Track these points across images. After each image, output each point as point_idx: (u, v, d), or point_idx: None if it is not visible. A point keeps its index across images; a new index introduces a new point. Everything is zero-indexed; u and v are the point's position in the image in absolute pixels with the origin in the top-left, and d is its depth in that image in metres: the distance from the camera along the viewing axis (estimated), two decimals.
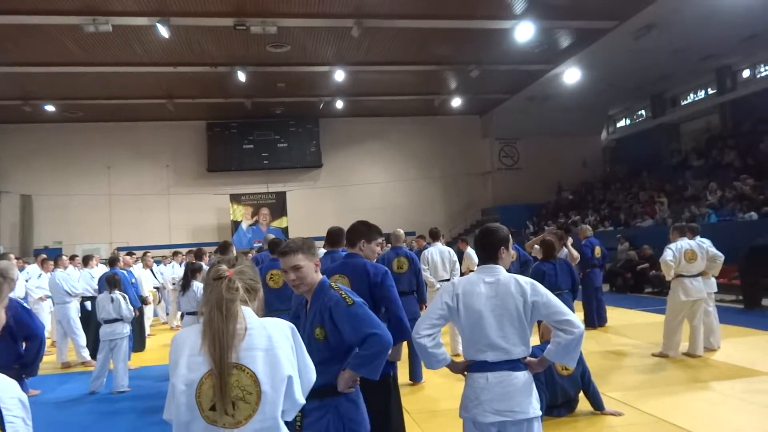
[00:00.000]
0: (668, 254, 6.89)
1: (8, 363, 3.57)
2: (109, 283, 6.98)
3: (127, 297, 7.01)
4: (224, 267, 1.92)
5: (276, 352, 1.83)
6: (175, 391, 1.79)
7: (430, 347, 2.82)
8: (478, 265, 2.98)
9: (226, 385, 1.74)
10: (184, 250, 13.73)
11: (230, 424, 1.76)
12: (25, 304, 3.97)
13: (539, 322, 4.32)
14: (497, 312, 2.75)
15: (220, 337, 1.76)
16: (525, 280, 2.80)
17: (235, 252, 7.03)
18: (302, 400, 1.90)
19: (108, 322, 6.87)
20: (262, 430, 1.78)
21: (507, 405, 2.69)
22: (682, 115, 22.70)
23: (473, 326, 2.78)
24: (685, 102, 22.78)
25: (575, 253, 8.65)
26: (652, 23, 14.44)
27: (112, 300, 6.84)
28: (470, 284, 2.84)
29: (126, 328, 6.97)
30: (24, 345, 3.70)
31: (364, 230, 3.82)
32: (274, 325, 1.90)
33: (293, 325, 1.98)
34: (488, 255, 2.91)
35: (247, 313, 1.87)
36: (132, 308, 7.02)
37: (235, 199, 22.55)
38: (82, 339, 8.65)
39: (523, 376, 2.74)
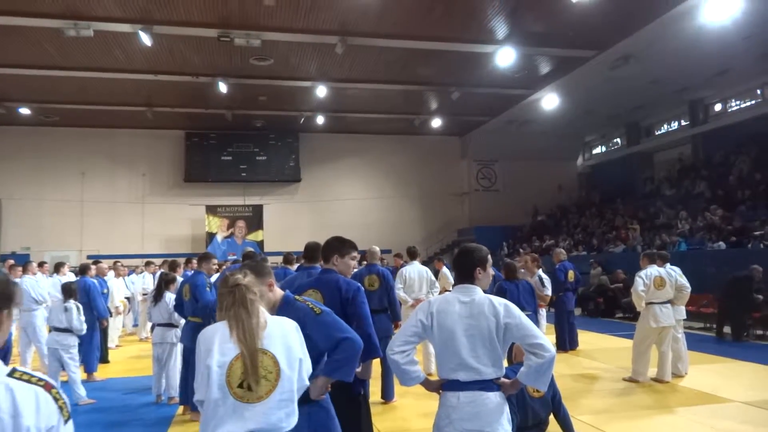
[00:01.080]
0: (639, 284, 7.00)
1: None
2: (65, 291, 6.79)
3: (80, 308, 6.79)
4: (241, 276, 2.31)
5: (289, 339, 2.24)
6: (210, 372, 2.13)
7: (402, 363, 2.83)
8: (455, 285, 3.00)
9: (257, 366, 2.12)
10: (157, 261, 13.51)
11: (254, 399, 2.12)
12: None
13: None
14: (470, 332, 2.75)
15: (248, 327, 2.15)
16: (499, 302, 2.81)
17: (216, 263, 6.92)
18: (307, 382, 2.28)
19: (58, 330, 6.68)
20: (281, 402, 2.16)
21: (477, 425, 2.68)
22: (655, 144, 23.25)
23: (446, 345, 2.79)
24: (659, 132, 23.35)
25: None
26: (630, 54, 14.85)
27: (66, 309, 6.65)
28: (445, 303, 2.85)
29: (74, 341, 6.74)
30: None
31: (337, 245, 3.83)
32: (284, 320, 2.33)
33: (297, 324, 2.35)
34: (465, 275, 2.92)
35: (263, 310, 2.28)
36: (83, 320, 6.78)
37: (211, 210, 22.34)
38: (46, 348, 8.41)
39: (495, 397, 2.74)
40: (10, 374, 1.49)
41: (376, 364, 6.36)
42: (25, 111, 19.17)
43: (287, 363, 2.17)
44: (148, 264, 13.13)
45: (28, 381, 1.49)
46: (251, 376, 2.09)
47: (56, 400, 1.50)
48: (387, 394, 6.43)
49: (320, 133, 22.93)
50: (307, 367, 2.31)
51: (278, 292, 2.85)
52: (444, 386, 2.82)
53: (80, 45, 13.98)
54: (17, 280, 8.92)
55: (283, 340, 2.21)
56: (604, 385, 7.14)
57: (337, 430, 2.75)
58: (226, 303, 2.22)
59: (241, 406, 2.10)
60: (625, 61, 15.16)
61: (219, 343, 2.15)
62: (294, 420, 2.20)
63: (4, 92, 17.61)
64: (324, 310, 2.74)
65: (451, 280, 10.44)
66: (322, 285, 3.67)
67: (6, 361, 3.61)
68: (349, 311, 3.57)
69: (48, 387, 1.51)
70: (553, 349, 2.74)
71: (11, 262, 10.89)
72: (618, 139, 25.69)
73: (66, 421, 1.52)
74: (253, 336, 2.13)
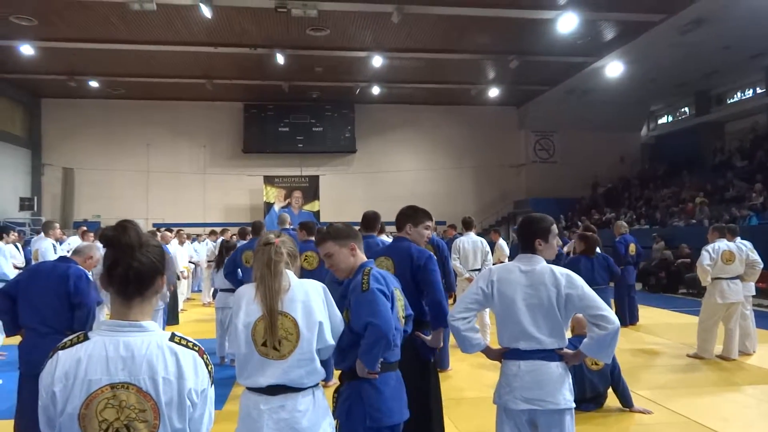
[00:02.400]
0: (705, 258, 6.73)
1: (61, 328, 3.72)
2: None
3: None
4: (272, 235, 2.44)
5: (310, 303, 2.36)
6: (237, 330, 2.36)
7: (463, 330, 2.84)
8: (519, 254, 2.95)
9: (276, 327, 2.30)
10: (218, 229, 13.99)
11: (277, 357, 2.31)
12: (89, 276, 4.13)
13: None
14: (530, 301, 2.74)
15: (270, 290, 2.31)
16: (561, 272, 2.75)
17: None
18: (332, 342, 2.43)
19: None
20: (301, 361, 2.32)
21: (537, 394, 2.68)
22: (727, 113, 22.02)
23: (506, 313, 2.78)
24: (732, 100, 22.08)
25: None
26: (702, 18, 14.01)
27: None
28: (506, 272, 2.84)
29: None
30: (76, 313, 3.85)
31: (410, 213, 3.82)
32: (309, 283, 2.46)
33: (324, 285, 2.48)
34: (526, 244, 2.89)
35: (290, 274, 2.42)
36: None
37: (269, 180, 22.78)
38: None
39: (556, 368, 2.71)
40: (171, 339, 1.61)
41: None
42: (94, 84, 19.94)
43: (306, 325, 2.32)
44: (212, 233, 13.65)
45: (186, 346, 1.62)
46: (270, 336, 2.28)
47: (206, 365, 1.63)
48: (442, 363, 6.48)
49: (376, 104, 22.87)
50: (337, 328, 2.47)
51: (360, 258, 2.82)
52: (505, 355, 2.82)
53: (144, 19, 14.36)
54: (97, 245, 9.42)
55: (305, 303, 2.34)
56: (665, 360, 6.97)
57: (389, 413, 2.68)
58: (256, 263, 2.39)
59: (265, 362, 2.30)
60: (697, 25, 14.31)
61: (246, 304, 2.35)
62: (317, 377, 2.37)
63: (75, 66, 18.35)
64: (371, 289, 2.63)
65: (506, 252, 10.35)
66: (393, 252, 3.67)
67: (89, 322, 3.85)
68: (419, 278, 3.55)
69: (201, 352, 1.64)
70: (617, 320, 2.68)
71: (84, 228, 11.50)
72: (686, 109, 24.47)
73: (211, 385, 1.65)
74: (273, 298, 2.29)
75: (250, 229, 7.74)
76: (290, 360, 2.30)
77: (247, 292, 2.39)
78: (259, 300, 2.32)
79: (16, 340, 4.06)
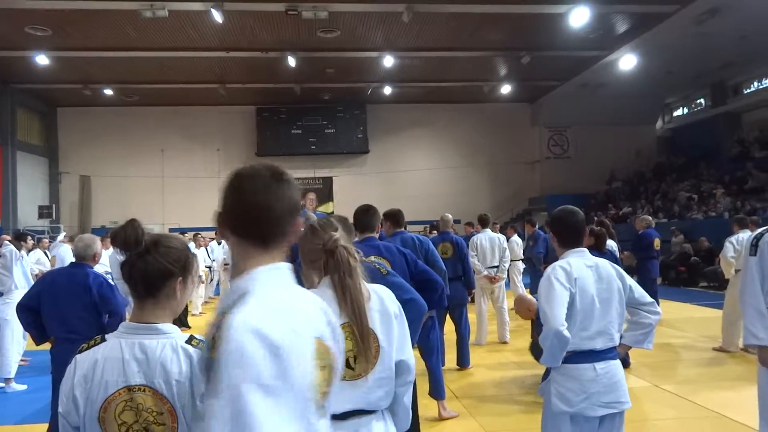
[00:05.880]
0: (729, 250, 6.67)
1: (92, 335, 3.72)
2: None
3: None
4: (336, 234, 1.96)
5: (389, 313, 2.01)
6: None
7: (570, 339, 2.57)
8: (568, 249, 2.75)
9: (367, 339, 1.86)
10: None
11: (351, 377, 1.91)
12: (110, 280, 4.13)
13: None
14: (602, 296, 2.61)
15: (357, 302, 1.86)
16: (612, 264, 2.75)
17: None
18: (410, 355, 2.05)
19: None
20: (381, 380, 1.96)
21: (614, 396, 2.55)
22: (744, 104, 21.68)
23: (585, 313, 2.59)
24: (749, 90, 21.75)
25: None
26: (717, 7, 13.82)
27: None
28: (579, 269, 2.63)
29: None
30: (107, 319, 3.84)
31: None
32: (381, 290, 2.07)
33: (392, 293, 2.12)
34: (576, 237, 2.75)
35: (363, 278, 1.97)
36: None
37: None
38: None
39: (620, 364, 2.65)
40: (188, 341, 1.58)
41: (450, 332, 6.41)
42: (108, 92, 20.12)
43: (386, 339, 1.97)
44: None
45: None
46: (362, 350, 1.85)
47: None
48: (463, 361, 6.45)
49: (387, 104, 22.85)
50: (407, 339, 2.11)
51: None
52: (571, 358, 2.58)
53: (156, 25, 14.47)
54: (110, 251, 9.50)
55: (382, 314, 1.99)
56: (689, 354, 6.88)
57: (413, 394, 2.66)
58: (329, 266, 1.92)
59: (337, 385, 1.93)
60: (712, 14, 14.10)
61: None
62: (391, 398, 2.02)
63: (90, 75, 18.54)
64: (390, 272, 2.70)
65: (520, 248, 10.30)
66: (385, 253, 3.69)
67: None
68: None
69: None
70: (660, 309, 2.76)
71: (104, 236, 11.59)
72: (702, 100, 24.16)
73: None
74: (364, 313, 1.86)
75: None
76: (369, 380, 1.93)
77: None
78: (346, 312, 1.85)
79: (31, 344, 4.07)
